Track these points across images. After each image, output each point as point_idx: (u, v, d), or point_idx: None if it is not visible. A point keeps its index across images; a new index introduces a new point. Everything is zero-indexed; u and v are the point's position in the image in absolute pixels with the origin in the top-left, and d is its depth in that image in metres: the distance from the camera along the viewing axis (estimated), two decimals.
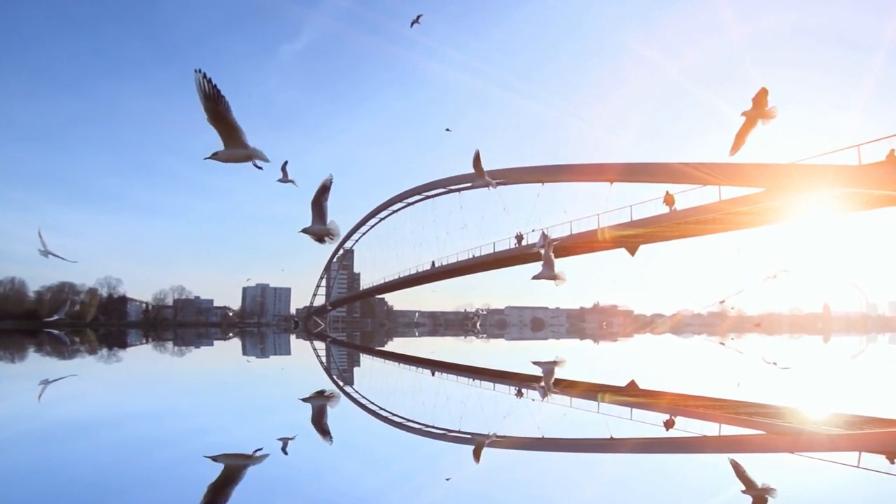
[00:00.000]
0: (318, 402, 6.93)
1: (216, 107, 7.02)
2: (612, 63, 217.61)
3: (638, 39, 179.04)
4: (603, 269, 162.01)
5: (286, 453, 4.16)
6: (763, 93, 11.64)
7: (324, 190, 8.96)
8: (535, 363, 14.82)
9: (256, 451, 4.21)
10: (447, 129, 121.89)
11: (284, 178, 9.89)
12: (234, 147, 7.52)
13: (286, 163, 10.01)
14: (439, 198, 54.21)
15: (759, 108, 11.58)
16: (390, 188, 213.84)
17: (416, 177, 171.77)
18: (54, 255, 24.19)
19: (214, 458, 4.02)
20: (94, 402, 7.01)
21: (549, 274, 13.87)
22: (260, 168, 7.92)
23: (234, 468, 3.84)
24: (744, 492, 3.30)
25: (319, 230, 9.04)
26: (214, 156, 7.56)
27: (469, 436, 4.90)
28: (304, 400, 7.07)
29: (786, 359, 14.97)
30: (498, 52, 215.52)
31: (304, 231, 9.02)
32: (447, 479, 3.61)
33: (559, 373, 11.35)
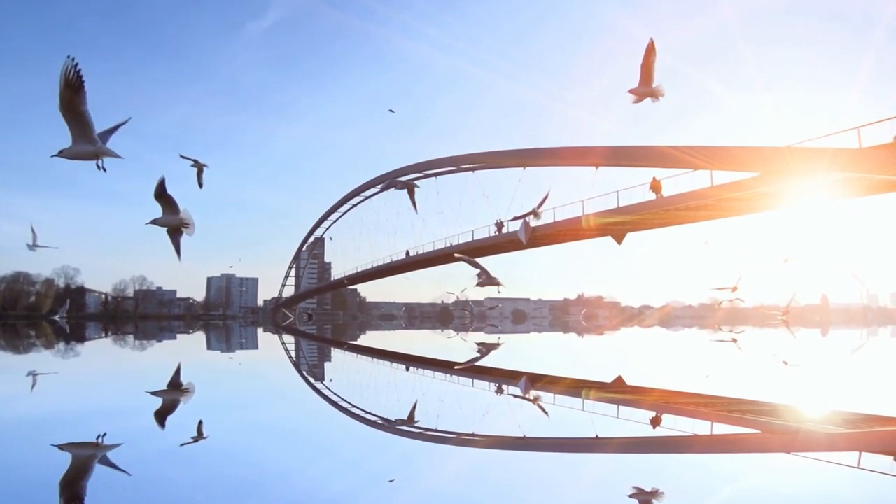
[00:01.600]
0: (170, 397, 6.93)
1: (74, 97, 7.01)
2: (596, 41, 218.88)
3: (624, 16, 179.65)
4: (588, 259, 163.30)
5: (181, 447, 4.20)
6: (649, 48, 11.57)
7: (162, 185, 9.14)
8: (478, 344, 14.81)
9: (100, 436, 4.36)
10: (391, 111, 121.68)
11: (196, 164, 9.94)
12: (83, 143, 7.48)
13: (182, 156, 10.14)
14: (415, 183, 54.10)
15: (645, 81, 11.60)
16: (363, 173, 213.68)
17: (390, 161, 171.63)
18: (42, 246, 25.04)
19: (61, 448, 4.12)
20: (40, 400, 6.83)
21: (489, 280, 13.92)
22: (104, 170, 7.94)
23: (83, 458, 3.90)
24: (630, 496, 3.29)
25: (170, 220, 9.07)
26: (60, 153, 7.51)
27: (447, 434, 4.85)
28: (154, 394, 7.07)
29: (783, 354, 15.10)
30: (477, 29, 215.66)
31: (153, 223, 9.06)
32: (390, 481, 3.54)
33: (537, 366, 11.33)
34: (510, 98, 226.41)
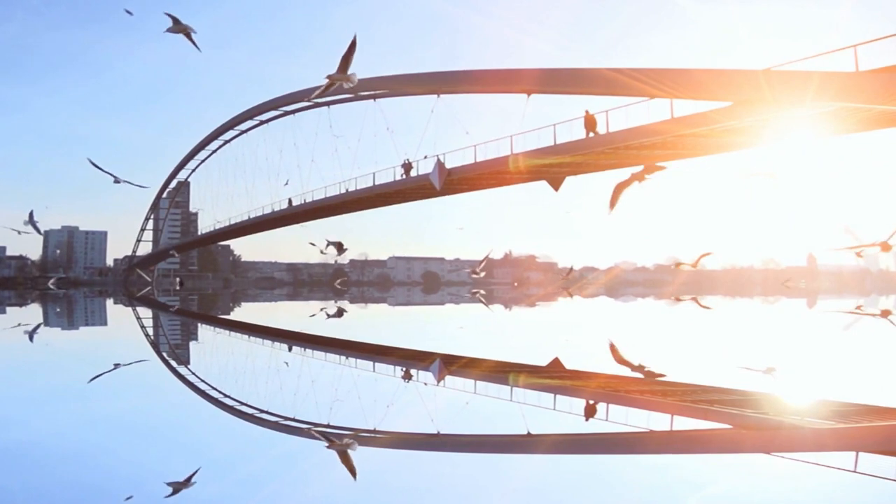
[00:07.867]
0: None
1: None
2: None
3: None
4: (518, 209, 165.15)
5: None
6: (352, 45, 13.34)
7: None
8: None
9: None
10: (127, 11, 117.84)
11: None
12: None
13: None
14: (302, 114, 53.24)
15: (341, 70, 13.27)
16: (238, 102, 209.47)
17: (271, 87, 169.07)
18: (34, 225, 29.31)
19: None
20: None
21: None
22: None
23: None
24: (168, 483, 3.41)
25: None
26: None
27: (341, 431, 4.79)
28: None
29: (760, 328, 15.51)
30: None
31: None
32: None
33: (453, 346, 11.33)
34: (420, 10, 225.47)
